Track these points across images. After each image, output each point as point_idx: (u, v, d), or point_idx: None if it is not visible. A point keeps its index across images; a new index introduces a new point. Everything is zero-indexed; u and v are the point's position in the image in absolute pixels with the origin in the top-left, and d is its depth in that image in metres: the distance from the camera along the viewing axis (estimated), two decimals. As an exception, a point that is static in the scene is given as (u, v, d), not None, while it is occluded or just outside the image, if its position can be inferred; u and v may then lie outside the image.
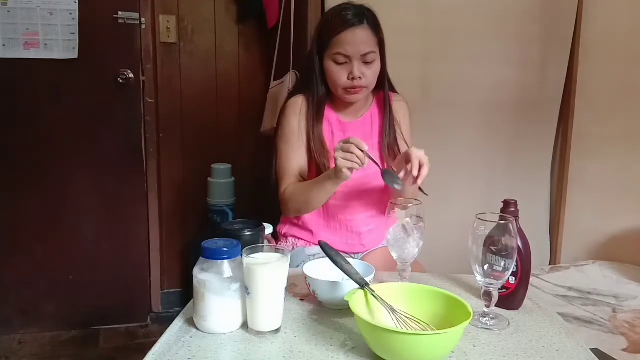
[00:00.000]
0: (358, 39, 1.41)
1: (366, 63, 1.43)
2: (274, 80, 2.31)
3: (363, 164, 1.25)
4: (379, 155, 1.54)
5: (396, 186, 1.28)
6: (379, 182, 1.53)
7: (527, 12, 2.19)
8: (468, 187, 2.27)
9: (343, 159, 1.25)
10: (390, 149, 1.53)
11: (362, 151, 1.24)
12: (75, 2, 2.22)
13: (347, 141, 1.26)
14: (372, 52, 1.43)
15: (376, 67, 1.46)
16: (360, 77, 1.42)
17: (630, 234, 2.17)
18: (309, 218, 1.53)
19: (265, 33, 2.51)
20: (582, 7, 2.19)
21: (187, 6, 2.50)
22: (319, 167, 1.48)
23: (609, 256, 2.18)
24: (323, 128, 1.52)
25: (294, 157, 1.50)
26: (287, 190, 1.49)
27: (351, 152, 1.24)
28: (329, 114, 1.54)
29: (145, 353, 0.89)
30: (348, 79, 1.43)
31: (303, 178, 1.51)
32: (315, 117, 1.50)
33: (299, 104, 1.52)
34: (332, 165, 1.47)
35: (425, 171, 1.27)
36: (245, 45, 2.60)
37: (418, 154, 1.27)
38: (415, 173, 1.26)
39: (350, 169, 1.26)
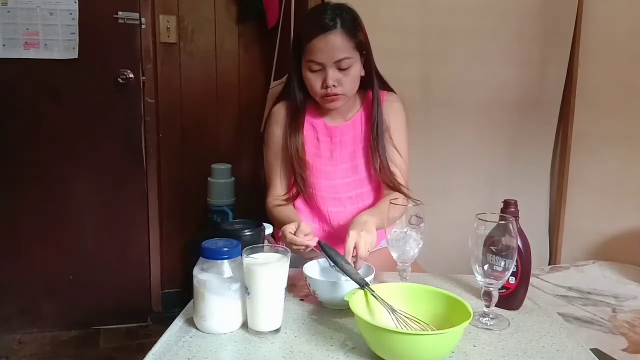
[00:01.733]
0: (330, 45, 1.33)
1: (341, 69, 1.35)
2: (274, 80, 2.31)
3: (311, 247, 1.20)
4: (364, 161, 1.49)
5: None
6: (371, 186, 1.51)
7: (527, 12, 2.19)
8: (468, 187, 2.27)
9: (292, 247, 1.20)
10: (377, 153, 1.46)
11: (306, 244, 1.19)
12: (75, 2, 2.22)
13: (289, 241, 1.20)
14: (347, 57, 1.34)
15: (354, 72, 1.38)
16: (335, 85, 1.36)
17: (630, 234, 2.17)
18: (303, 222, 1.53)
19: (265, 33, 2.51)
20: (582, 7, 2.19)
21: (187, 6, 2.50)
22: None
23: (609, 256, 2.18)
24: (307, 134, 1.47)
25: (278, 166, 1.49)
26: (269, 208, 1.47)
27: (294, 247, 1.20)
28: (314, 119, 1.49)
29: (145, 353, 0.89)
30: (322, 87, 1.37)
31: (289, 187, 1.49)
32: (292, 125, 1.45)
33: (281, 112, 1.49)
34: (311, 177, 1.46)
35: (359, 263, 1.13)
36: (245, 45, 2.60)
37: (349, 247, 1.13)
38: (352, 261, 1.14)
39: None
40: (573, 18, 2.20)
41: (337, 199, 1.49)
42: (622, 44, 2.18)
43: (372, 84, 1.47)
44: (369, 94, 1.50)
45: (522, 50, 2.22)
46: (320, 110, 1.49)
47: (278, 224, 1.43)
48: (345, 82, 1.37)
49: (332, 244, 1.47)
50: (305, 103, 1.47)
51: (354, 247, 1.14)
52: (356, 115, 1.50)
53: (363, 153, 1.49)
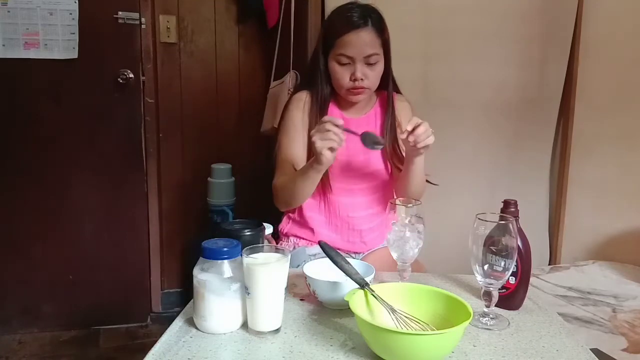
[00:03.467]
0: (361, 41, 1.41)
1: (369, 64, 1.44)
2: (274, 80, 2.31)
3: (342, 140, 1.23)
4: (377, 155, 1.54)
5: (377, 147, 1.31)
6: (381, 179, 1.55)
7: (527, 12, 2.19)
8: (468, 187, 2.27)
9: (321, 140, 1.23)
10: (391, 149, 1.53)
11: (337, 126, 1.23)
12: (75, 2, 2.22)
13: (320, 122, 1.26)
14: (376, 53, 1.43)
15: (379, 68, 1.46)
16: (362, 79, 1.43)
17: (630, 234, 2.17)
18: (310, 215, 1.53)
19: (265, 33, 2.51)
20: (582, 7, 2.19)
21: (187, 6, 2.50)
22: None
23: (609, 256, 2.18)
24: None
25: (292, 149, 1.50)
26: (277, 182, 1.49)
27: (327, 130, 1.22)
28: (333, 110, 1.54)
29: (145, 353, 0.89)
30: (350, 79, 1.44)
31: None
32: (318, 114, 1.50)
33: (302, 99, 1.53)
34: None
35: (420, 129, 1.26)
36: (245, 45, 2.61)
37: (417, 120, 1.28)
38: (409, 128, 1.27)
39: (331, 149, 1.24)
40: (573, 18, 2.20)
41: (348, 189, 1.52)
42: (622, 44, 2.18)
43: (388, 83, 1.54)
44: (383, 93, 1.57)
45: (522, 51, 2.22)
46: (339, 104, 1.55)
47: (293, 181, 1.42)
48: (371, 76, 1.45)
49: (339, 235, 1.48)
50: (330, 96, 1.53)
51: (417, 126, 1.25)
52: (371, 112, 1.57)
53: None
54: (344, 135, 1.24)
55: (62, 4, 2.21)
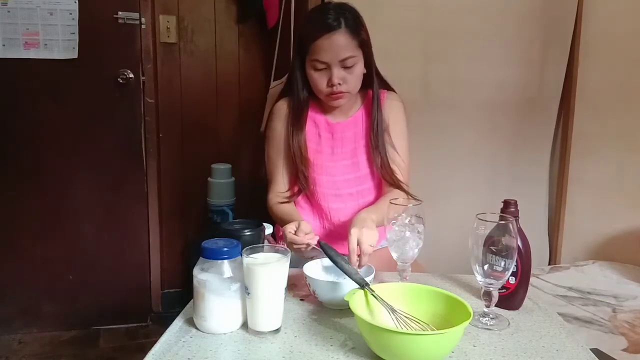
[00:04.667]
0: (335, 45, 1.35)
1: (346, 67, 1.38)
2: (274, 80, 2.31)
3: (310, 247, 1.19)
4: (366, 158, 1.50)
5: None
6: (370, 183, 1.52)
7: (527, 12, 2.19)
8: (468, 187, 2.27)
9: (292, 247, 1.20)
10: (377, 150, 1.47)
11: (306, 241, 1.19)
12: (75, 2, 2.22)
13: (290, 241, 1.20)
14: (351, 56, 1.37)
15: (358, 70, 1.41)
16: (340, 84, 1.38)
17: (630, 234, 2.17)
18: (305, 219, 1.53)
19: (265, 33, 2.51)
20: (582, 7, 2.19)
21: (187, 6, 2.50)
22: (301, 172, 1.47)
23: (609, 256, 2.17)
24: (309, 130, 1.49)
25: (280, 162, 1.50)
26: (270, 205, 1.47)
27: (295, 247, 1.20)
28: (316, 115, 1.51)
29: (145, 353, 0.89)
30: (328, 85, 1.39)
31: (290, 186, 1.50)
32: (295, 123, 1.47)
33: (283, 109, 1.50)
34: (312, 174, 1.47)
35: (364, 259, 1.15)
36: (245, 45, 2.61)
37: (353, 245, 1.15)
38: (355, 264, 1.16)
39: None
40: (573, 18, 2.20)
41: (337, 195, 1.50)
42: (622, 44, 2.18)
43: (372, 82, 1.48)
44: (369, 93, 1.51)
45: (522, 50, 2.22)
46: (322, 107, 1.51)
47: (279, 222, 1.45)
48: (349, 80, 1.40)
49: (332, 241, 1.47)
50: (308, 101, 1.49)
51: (357, 245, 1.15)
52: (357, 113, 1.52)
53: (364, 150, 1.50)
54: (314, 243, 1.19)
55: (62, 4, 2.21)
